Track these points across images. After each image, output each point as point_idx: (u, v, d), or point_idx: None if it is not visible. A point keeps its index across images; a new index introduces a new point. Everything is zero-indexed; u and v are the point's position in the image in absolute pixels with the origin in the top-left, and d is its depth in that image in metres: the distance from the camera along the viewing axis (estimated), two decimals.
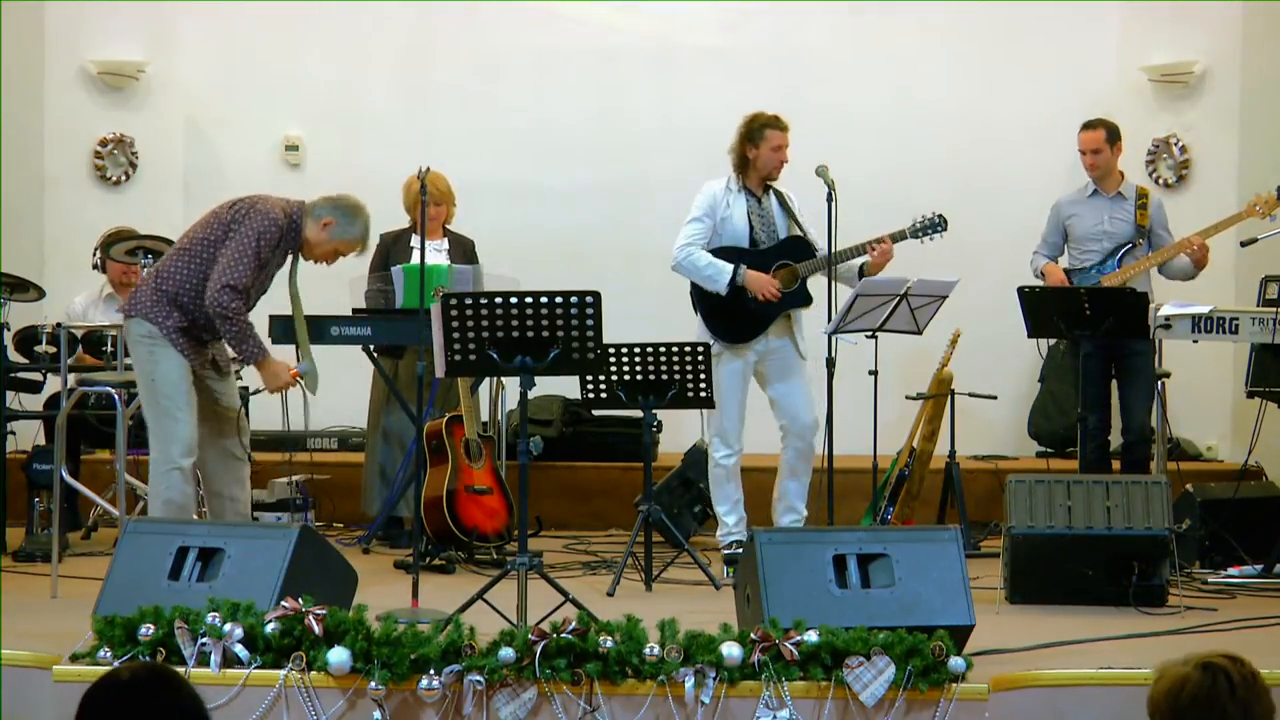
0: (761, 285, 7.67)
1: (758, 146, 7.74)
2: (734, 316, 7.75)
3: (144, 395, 6.73)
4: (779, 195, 7.83)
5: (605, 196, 10.39)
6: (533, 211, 10.30)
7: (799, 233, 7.78)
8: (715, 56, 10.50)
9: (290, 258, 6.84)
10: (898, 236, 7.77)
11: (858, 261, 7.77)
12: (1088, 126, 8.38)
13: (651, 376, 7.37)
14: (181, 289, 6.64)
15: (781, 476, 7.87)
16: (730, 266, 7.67)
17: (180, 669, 5.03)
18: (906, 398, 8.63)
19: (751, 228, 7.78)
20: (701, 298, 7.84)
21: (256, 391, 7.07)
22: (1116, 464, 8.41)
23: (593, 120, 10.48)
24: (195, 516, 7.00)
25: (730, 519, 7.82)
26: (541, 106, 10.46)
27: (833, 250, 7.48)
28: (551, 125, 10.44)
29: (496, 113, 10.44)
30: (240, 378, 8.56)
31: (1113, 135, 8.35)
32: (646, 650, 5.13)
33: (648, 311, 9.45)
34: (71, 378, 7.87)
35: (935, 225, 7.87)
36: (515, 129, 10.41)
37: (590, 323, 5.83)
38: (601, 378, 7.39)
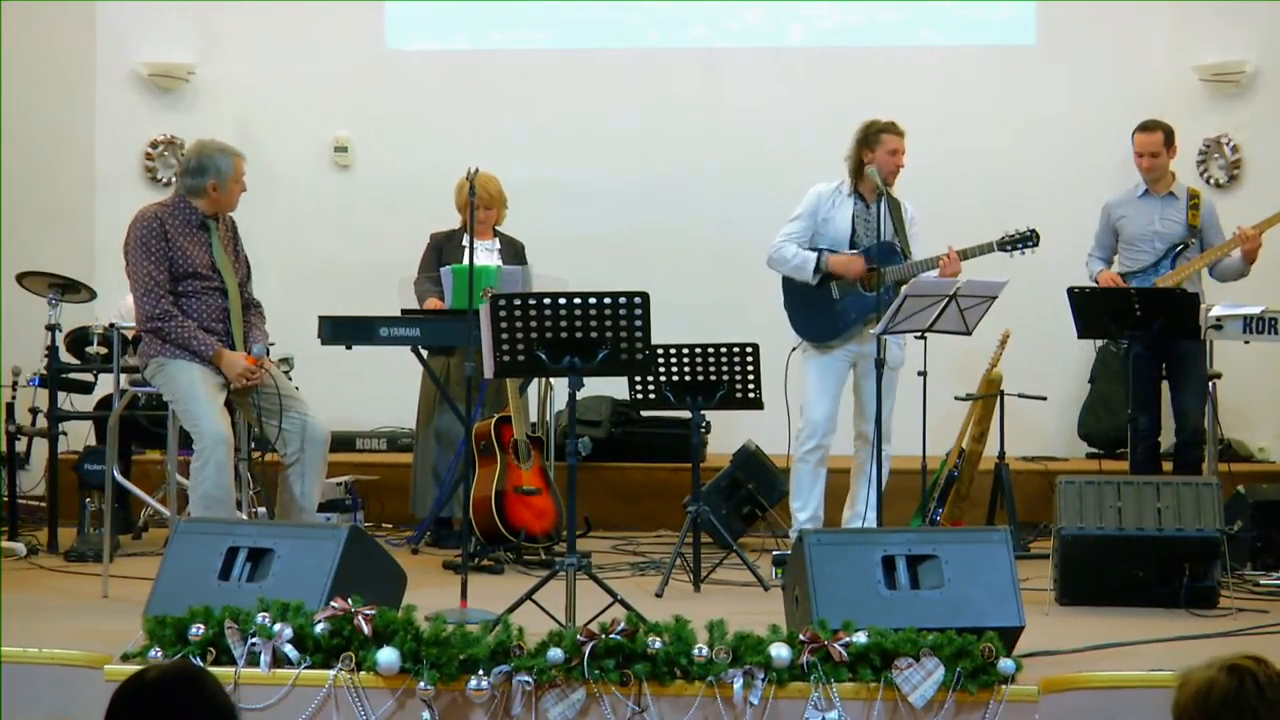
0: (846, 266, 7.72)
1: (874, 151, 7.73)
2: (813, 315, 7.82)
3: (177, 412, 6.86)
4: (894, 204, 7.78)
5: (653, 196, 10.38)
6: (581, 212, 10.30)
7: (895, 241, 7.74)
8: (761, 55, 10.49)
9: (205, 234, 6.81)
10: (985, 249, 7.74)
11: (933, 273, 7.73)
12: (1145, 129, 8.31)
13: (700, 377, 7.36)
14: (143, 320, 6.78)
15: (853, 479, 7.87)
16: (814, 255, 7.72)
17: (230, 669, 5.08)
18: (955, 399, 8.60)
19: (854, 231, 7.79)
20: (788, 296, 7.89)
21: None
22: (1167, 465, 8.36)
23: (640, 120, 10.47)
24: (241, 514, 7.02)
25: (801, 515, 7.83)
26: (588, 107, 10.46)
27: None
28: (599, 125, 10.43)
29: (543, 113, 10.45)
30: (290, 368, 8.59)
31: (1169, 138, 8.29)
32: (695, 651, 5.11)
33: (696, 312, 9.46)
34: (123, 378, 7.91)
35: (1027, 240, 7.78)
36: (562, 129, 10.42)
37: (639, 323, 5.83)
38: (650, 378, 7.39)
